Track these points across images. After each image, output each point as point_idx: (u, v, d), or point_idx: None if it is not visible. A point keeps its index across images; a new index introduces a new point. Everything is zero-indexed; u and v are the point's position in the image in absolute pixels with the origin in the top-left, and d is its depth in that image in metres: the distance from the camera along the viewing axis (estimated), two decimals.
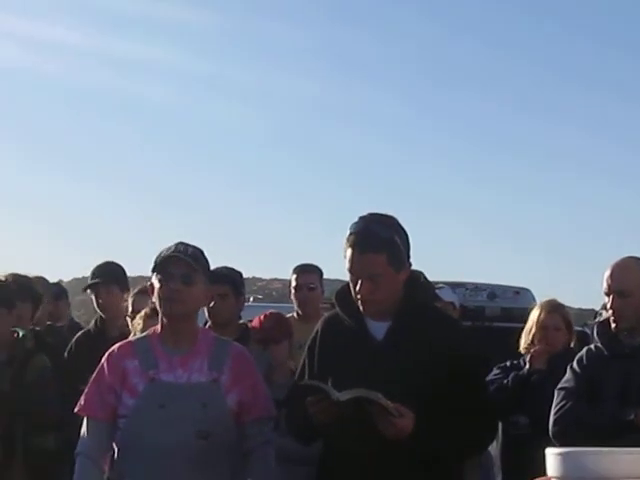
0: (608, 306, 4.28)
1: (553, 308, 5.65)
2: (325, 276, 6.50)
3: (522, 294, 8.47)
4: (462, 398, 3.61)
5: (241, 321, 5.68)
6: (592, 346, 4.39)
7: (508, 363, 5.68)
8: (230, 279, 5.53)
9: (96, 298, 6.08)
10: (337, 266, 3.86)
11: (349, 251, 3.71)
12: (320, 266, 6.52)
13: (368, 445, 3.58)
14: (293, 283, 6.37)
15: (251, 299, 10.21)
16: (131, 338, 4.23)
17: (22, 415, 4.98)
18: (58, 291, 7.16)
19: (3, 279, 5.47)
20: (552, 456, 3.00)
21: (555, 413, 4.26)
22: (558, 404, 4.27)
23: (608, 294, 4.25)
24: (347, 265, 3.73)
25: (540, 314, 5.61)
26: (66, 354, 5.92)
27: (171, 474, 3.75)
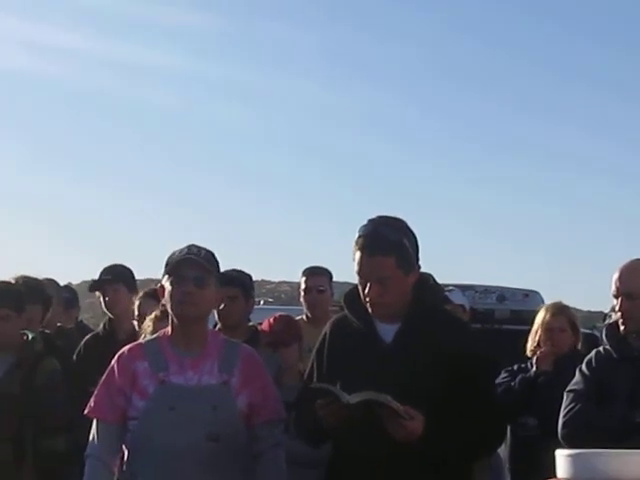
0: (617, 308, 4.28)
1: (558, 310, 5.67)
2: (334, 279, 6.50)
3: (531, 297, 8.45)
4: (471, 400, 3.61)
5: (250, 324, 5.69)
6: (601, 348, 4.38)
7: (515, 367, 5.69)
8: (240, 282, 5.53)
9: (103, 296, 6.09)
10: (346, 268, 3.87)
11: (358, 254, 3.71)
12: (329, 268, 6.54)
13: (377, 448, 3.58)
14: (302, 286, 6.37)
15: (262, 302, 10.19)
16: (141, 340, 4.23)
17: (31, 418, 4.97)
18: (69, 297, 7.14)
19: (13, 281, 5.47)
20: (562, 457, 3.01)
21: (564, 416, 4.26)
22: (567, 406, 4.27)
23: (617, 296, 4.25)
24: (356, 268, 3.73)
25: (545, 316, 5.65)
26: (75, 356, 5.92)
27: (181, 476, 3.75)
